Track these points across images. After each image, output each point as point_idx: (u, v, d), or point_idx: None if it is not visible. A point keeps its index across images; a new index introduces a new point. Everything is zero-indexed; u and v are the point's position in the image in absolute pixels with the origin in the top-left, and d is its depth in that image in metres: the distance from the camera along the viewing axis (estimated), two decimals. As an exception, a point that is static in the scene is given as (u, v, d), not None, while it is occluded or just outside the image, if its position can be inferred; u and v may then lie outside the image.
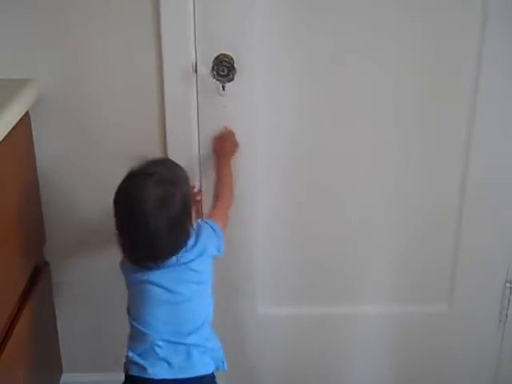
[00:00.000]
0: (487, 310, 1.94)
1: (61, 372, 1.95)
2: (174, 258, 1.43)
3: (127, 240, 1.43)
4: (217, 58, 1.61)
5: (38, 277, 1.73)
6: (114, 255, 1.83)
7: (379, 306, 1.95)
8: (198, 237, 1.49)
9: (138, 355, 1.47)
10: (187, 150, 1.73)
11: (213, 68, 1.60)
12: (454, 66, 1.70)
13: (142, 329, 1.47)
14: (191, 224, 1.46)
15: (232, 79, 1.61)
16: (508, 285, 1.90)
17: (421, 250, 1.88)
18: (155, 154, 1.72)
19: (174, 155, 1.71)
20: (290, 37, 1.66)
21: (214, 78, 1.61)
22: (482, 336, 1.97)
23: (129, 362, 1.49)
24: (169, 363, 1.45)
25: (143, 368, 1.45)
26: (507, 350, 1.97)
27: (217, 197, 1.70)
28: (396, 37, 1.66)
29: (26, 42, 1.62)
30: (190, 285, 1.47)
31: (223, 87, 1.62)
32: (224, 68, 1.60)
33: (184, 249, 1.44)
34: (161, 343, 1.45)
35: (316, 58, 1.68)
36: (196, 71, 1.63)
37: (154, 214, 1.37)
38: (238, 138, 1.71)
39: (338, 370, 2.02)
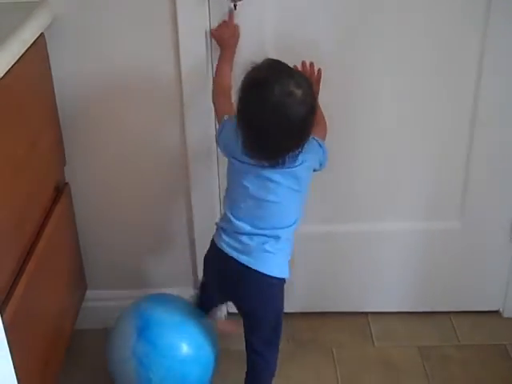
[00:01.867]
0: (498, 228, 1.97)
1: (85, 288, 2.03)
2: (283, 160, 1.49)
3: (255, 133, 1.48)
4: (228, -25, 1.61)
5: (58, 196, 1.77)
6: (132, 176, 1.90)
7: (394, 223, 1.99)
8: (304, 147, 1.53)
9: (224, 230, 1.58)
10: (201, 72, 1.74)
11: (224, -14, 1.61)
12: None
13: (233, 218, 1.56)
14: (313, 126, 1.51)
15: (243, -3, 1.61)
16: (519, 202, 1.93)
17: (434, 170, 1.91)
18: (169, 75, 1.76)
19: (188, 78, 1.74)
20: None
21: (225, -4, 1.62)
22: (492, 253, 2.01)
23: (216, 229, 1.62)
24: (244, 250, 1.55)
25: (223, 240, 1.57)
26: (517, 266, 2.01)
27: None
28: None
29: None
30: (287, 189, 1.54)
31: (235, 6, 1.63)
32: (235, -14, 1.61)
33: (297, 152, 1.50)
34: (246, 232, 1.55)
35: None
36: (208, -10, 1.64)
37: (295, 112, 1.43)
38: (249, 57, 1.72)
39: (356, 286, 2.08)
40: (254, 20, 1.70)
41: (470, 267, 2.04)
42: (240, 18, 1.68)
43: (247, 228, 1.55)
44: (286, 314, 2.06)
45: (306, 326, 2.08)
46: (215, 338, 1.77)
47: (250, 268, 1.54)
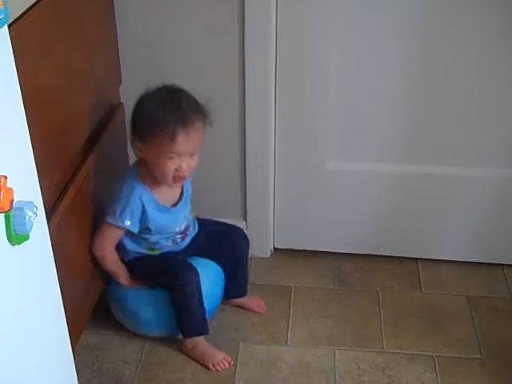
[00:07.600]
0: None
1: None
2: None
3: None
4: None
5: (112, 116, 1.77)
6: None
7: (443, 167, 1.92)
8: None
9: None
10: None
11: None
12: None
13: None
14: None
15: None
16: None
17: (485, 117, 1.84)
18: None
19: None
20: None
21: None
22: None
23: None
24: None
25: None
26: None
27: None
28: None
29: None
30: None
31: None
32: None
33: None
34: None
35: None
36: None
37: None
38: None
39: (409, 232, 2.03)
40: None
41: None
42: None
43: None
44: (334, 253, 2.06)
45: (353, 268, 2.06)
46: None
47: None
